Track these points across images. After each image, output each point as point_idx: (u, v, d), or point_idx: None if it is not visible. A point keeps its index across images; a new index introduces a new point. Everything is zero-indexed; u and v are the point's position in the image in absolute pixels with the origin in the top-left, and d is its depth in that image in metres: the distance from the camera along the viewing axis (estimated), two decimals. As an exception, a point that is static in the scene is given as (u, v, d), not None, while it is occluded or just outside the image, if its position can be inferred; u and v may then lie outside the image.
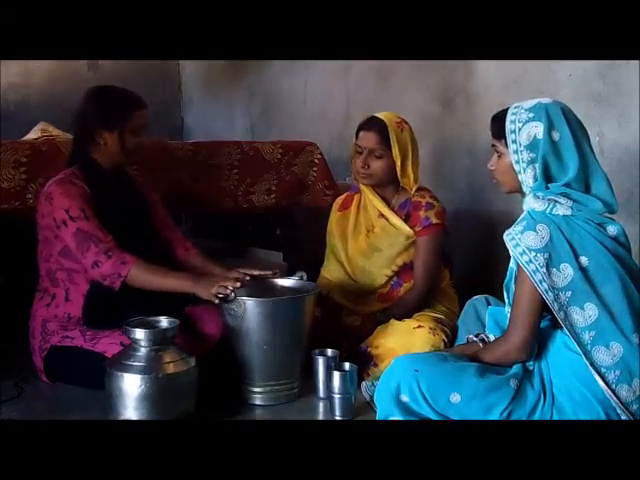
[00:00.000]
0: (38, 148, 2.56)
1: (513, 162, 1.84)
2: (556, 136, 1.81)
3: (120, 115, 2.28)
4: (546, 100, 1.86)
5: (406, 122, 2.54)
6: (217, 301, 2.14)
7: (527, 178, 1.83)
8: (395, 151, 2.48)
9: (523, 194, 1.88)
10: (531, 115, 1.82)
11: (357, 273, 2.63)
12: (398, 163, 2.49)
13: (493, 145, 1.92)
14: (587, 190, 1.84)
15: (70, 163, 2.35)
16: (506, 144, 1.85)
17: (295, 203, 3.11)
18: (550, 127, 1.80)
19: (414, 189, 2.56)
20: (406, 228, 2.53)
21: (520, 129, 1.82)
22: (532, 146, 1.81)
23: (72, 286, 2.28)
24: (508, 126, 1.84)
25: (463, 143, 3.12)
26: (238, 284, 2.15)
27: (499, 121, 1.87)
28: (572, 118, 1.84)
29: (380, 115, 2.53)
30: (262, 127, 4.40)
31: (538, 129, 1.81)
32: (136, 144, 2.32)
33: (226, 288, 2.13)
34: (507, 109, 1.88)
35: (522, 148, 1.82)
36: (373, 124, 2.51)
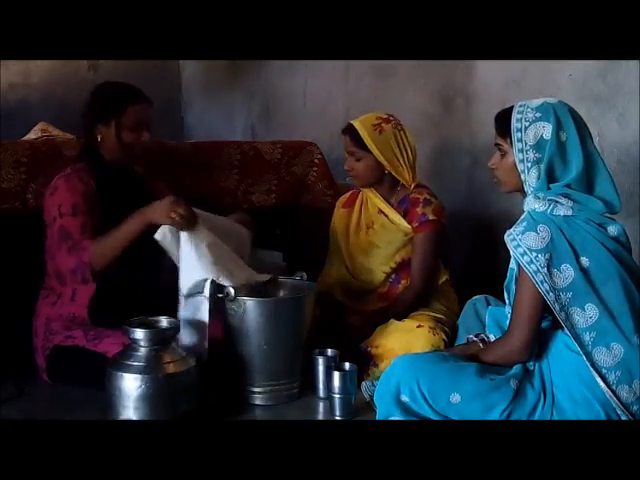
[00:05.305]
0: (38, 148, 2.56)
1: (517, 161, 1.83)
2: (563, 137, 1.81)
3: (113, 108, 2.27)
4: (552, 100, 1.85)
5: (389, 122, 2.52)
6: (177, 219, 2.12)
7: (530, 178, 1.82)
8: (375, 152, 2.49)
9: (523, 194, 1.88)
10: (538, 115, 1.81)
11: (357, 270, 2.64)
12: (386, 163, 2.51)
13: (497, 144, 1.90)
14: (590, 190, 1.84)
15: (80, 158, 2.36)
16: (511, 143, 1.84)
17: (295, 203, 3.11)
18: (558, 128, 1.80)
19: (412, 186, 2.57)
20: (404, 224, 2.54)
21: (527, 128, 1.81)
22: (539, 146, 1.80)
23: (80, 286, 2.27)
24: (514, 124, 1.82)
25: (463, 143, 3.11)
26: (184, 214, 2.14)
27: (504, 119, 1.86)
28: (578, 119, 1.84)
29: (357, 120, 2.54)
30: (262, 127, 4.40)
31: (546, 129, 1.80)
32: (133, 139, 2.31)
33: (179, 212, 2.12)
34: (512, 107, 1.86)
35: (528, 147, 1.81)
36: (347, 129, 2.56)
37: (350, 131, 2.54)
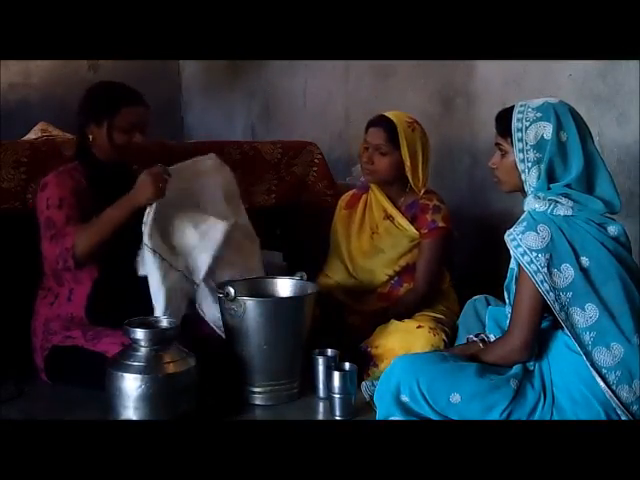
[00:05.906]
0: (38, 148, 2.56)
1: (517, 161, 1.83)
2: (564, 137, 1.81)
3: (106, 108, 2.26)
4: (553, 100, 1.85)
5: (418, 123, 2.54)
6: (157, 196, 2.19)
7: (531, 178, 1.82)
8: (404, 150, 2.47)
9: (523, 193, 1.88)
10: (539, 115, 1.81)
11: (358, 271, 2.63)
12: (407, 162, 2.49)
13: (497, 143, 1.90)
14: (590, 190, 1.84)
15: (75, 157, 2.36)
16: (511, 142, 1.84)
17: (295, 203, 3.10)
18: (559, 128, 1.80)
19: (422, 191, 2.56)
20: (412, 229, 2.53)
21: (527, 128, 1.81)
22: (539, 146, 1.80)
23: (77, 286, 2.28)
24: (514, 124, 1.82)
25: (463, 143, 3.12)
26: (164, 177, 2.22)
27: (505, 119, 1.86)
28: (578, 118, 1.84)
29: (390, 114, 2.53)
30: (262, 127, 4.40)
31: (546, 129, 1.80)
32: (124, 141, 2.28)
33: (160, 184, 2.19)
34: (513, 107, 1.86)
35: (528, 147, 1.81)
36: (382, 121, 2.52)
37: (386, 123, 2.50)
